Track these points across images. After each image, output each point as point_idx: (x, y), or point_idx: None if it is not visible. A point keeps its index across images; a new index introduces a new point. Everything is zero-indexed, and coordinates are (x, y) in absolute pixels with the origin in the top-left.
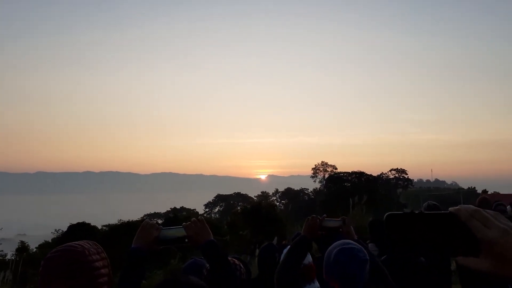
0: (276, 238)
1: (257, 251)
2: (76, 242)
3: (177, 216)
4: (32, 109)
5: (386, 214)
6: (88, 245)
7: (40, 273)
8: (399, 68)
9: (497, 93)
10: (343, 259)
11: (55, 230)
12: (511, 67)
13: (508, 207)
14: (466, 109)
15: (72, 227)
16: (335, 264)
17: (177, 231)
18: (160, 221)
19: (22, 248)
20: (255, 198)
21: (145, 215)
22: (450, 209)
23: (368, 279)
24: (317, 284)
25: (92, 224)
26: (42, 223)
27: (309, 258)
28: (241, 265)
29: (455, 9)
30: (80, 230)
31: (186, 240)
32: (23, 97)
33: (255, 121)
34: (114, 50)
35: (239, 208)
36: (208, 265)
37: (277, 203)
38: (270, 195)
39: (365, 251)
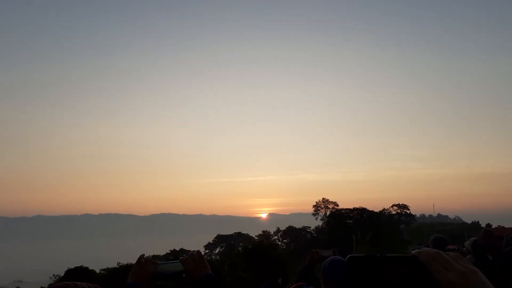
0: (280, 279)
1: None
2: (73, 282)
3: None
4: (29, 152)
5: (348, 256)
6: (87, 285)
7: None
8: (395, 104)
9: (497, 126)
10: (334, 266)
11: (53, 275)
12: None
13: None
14: (465, 143)
15: (69, 272)
16: (328, 269)
17: (174, 266)
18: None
19: None
20: (256, 238)
21: None
22: (412, 252)
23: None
24: None
25: (90, 268)
26: (39, 269)
27: None
28: None
29: (444, 45)
30: (78, 274)
31: (184, 275)
32: (20, 139)
33: (254, 160)
34: (112, 91)
35: (240, 248)
36: None
37: (279, 242)
38: (272, 234)
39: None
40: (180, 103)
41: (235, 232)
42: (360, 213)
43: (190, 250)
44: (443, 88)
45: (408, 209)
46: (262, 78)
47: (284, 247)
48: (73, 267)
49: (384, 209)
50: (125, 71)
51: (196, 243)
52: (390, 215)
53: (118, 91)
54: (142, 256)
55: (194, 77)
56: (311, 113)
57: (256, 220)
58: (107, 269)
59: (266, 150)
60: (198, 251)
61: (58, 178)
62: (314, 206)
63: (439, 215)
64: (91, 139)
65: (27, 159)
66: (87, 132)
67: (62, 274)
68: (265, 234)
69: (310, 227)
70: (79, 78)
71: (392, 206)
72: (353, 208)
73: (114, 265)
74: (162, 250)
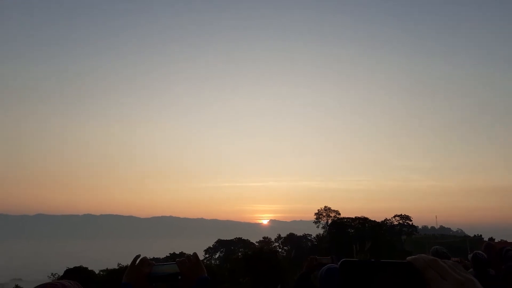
0: (279, 286)
1: None
2: (57, 281)
3: None
4: (32, 151)
5: (341, 260)
6: (69, 283)
7: None
8: (398, 115)
9: (500, 140)
10: (331, 274)
11: (51, 274)
12: None
13: None
14: (466, 156)
15: (68, 271)
16: (325, 277)
17: (170, 267)
18: None
19: None
20: (256, 244)
21: None
22: (408, 258)
23: None
24: None
25: (90, 268)
26: (39, 267)
27: None
28: None
29: (449, 58)
30: (77, 274)
31: (179, 277)
32: (22, 138)
33: (257, 165)
34: (119, 93)
35: (240, 254)
36: None
37: (279, 249)
38: (272, 241)
39: None
40: (183, 108)
41: (236, 238)
42: (362, 222)
43: (189, 254)
44: (446, 101)
45: (411, 220)
46: (266, 85)
47: (284, 254)
48: (72, 267)
49: (386, 219)
50: (135, 75)
51: (196, 247)
52: (392, 226)
53: (125, 94)
54: (137, 256)
55: (198, 83)
56: (315, 121)
57: (257, 226)
58: (107, 270)
59: (268, 156)
60: (195, 254)
61: (60, 178)
62: (316, 214)
63: (442, 227)
64: (96, 140)
65: (31, 157)
66: (92, 133)
67: (61, 273)
68: (266, 241)
69: (311, 235)
70: (87, 79)
71: (394, 217)
72: (355, 217)
73: (115, 266)
74: (162, 253)
